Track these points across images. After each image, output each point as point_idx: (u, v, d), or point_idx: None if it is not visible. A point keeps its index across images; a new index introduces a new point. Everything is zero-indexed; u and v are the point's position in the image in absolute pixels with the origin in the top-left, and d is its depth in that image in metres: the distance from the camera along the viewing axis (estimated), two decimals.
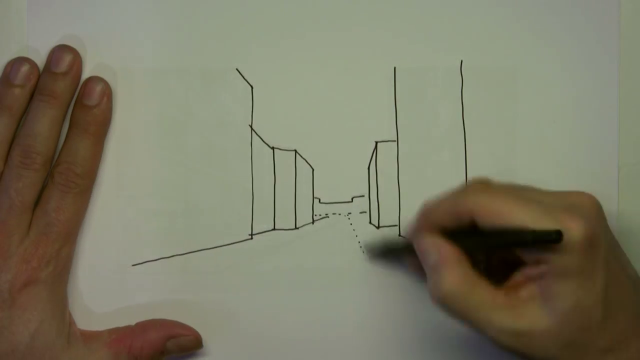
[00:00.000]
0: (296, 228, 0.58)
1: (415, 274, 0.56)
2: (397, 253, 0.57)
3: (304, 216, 0.58)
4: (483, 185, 0.52)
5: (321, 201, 0.58)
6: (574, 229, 0.49)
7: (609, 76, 0.58)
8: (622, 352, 0.51)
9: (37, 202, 0.55)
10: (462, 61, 0.58)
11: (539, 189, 0.53)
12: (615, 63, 0.58)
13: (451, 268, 0.50)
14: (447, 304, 0.51)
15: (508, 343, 0.50)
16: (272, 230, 0.58)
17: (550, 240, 0.48)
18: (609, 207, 0.58)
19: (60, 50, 0.56)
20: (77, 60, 0.56)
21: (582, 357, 0.50)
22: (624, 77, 0.58)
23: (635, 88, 0.58)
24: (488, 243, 0.51)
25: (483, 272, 0.51)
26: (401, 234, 0.58)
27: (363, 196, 0.58)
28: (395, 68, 0.58)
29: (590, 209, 0.51)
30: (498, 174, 0.58)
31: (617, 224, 0.58)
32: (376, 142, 0.58)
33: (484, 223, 0.50)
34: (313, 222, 0.58)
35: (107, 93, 0.56)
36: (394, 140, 0.58)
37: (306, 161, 0.58)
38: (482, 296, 0.50)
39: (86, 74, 0.56)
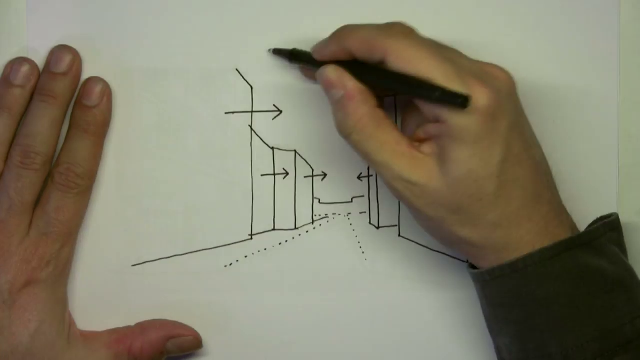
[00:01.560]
0: (296, 228, 0.58)
1: (305, 79, 0.57)
2: (300, 60, 0.56)
3: (304, 216, 0.58)
4: (406, 30, 0.51)
5: (321, 201, 0.58)
6: (479, 96, 0.48)
7: (609, 76, 0.58)
8: (512, 230, 0.50)
9: (37, 202, 0.55)
10: None
11: (460, 52, 0.52)
12: (615, 63, 0.58)
13: (357, 103, 0.51)
14: (352, 140, 0.51)
15: (401, 191, 0.51)
16: (272, 230, 0.58)
17: (456, 103, 0.48)
18: (609, 207, 0.58)
19: (60, 50, 0.56)
20: (76, 60, 0.56)
21: (471, 226, 0.50)
22: (624, 77, 0.58)
23: (635, 88, 0.58)
24: (393, 86, 0.51)
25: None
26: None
27: (363, 196, 0.58)
28: None
29: (503, 83, 0.51)
30: None
31: None
32: None
33: (394, 66, 0.50)
34: (313, 223, 0.58)
35: (107, 93, 0.56)
36: None
37: (306, 161, 0.58)
38: (386, 138, 0.51)
39: (86, 74, 0.56)
